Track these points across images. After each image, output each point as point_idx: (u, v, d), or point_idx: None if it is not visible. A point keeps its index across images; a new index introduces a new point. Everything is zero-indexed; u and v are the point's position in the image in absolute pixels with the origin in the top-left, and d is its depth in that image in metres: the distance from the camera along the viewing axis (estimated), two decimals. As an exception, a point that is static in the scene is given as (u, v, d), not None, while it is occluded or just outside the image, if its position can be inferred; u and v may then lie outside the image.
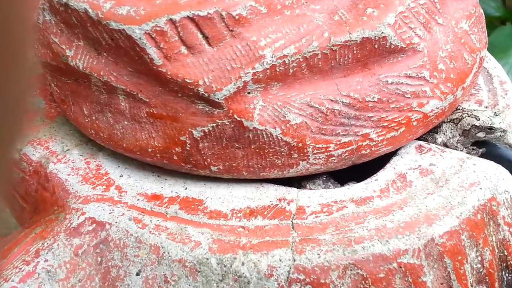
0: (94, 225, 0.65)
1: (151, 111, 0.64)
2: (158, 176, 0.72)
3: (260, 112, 0.62)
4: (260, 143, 0.63)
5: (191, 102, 0.62)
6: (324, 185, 0.71)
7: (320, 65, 0.62)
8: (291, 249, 0.60)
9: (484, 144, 0.74)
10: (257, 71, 0.59)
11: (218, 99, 0.60)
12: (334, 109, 0.64)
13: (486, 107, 0.79)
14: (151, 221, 0.64)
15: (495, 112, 0.72)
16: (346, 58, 0.63)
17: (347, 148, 0.66)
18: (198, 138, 0.63)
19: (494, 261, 0.64)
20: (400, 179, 0.68)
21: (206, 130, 0.63)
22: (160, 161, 0.67)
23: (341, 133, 0.65)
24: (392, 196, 0.66)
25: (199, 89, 0.60)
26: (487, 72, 0.87)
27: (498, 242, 0.65)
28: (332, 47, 0.61)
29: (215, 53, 0.60)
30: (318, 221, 0.63)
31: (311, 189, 0.70)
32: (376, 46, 0.64)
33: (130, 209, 0.66)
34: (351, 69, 0.64)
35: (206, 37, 0.59)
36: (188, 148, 0.64)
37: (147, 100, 0.64)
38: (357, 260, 0.59)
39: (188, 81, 0.59)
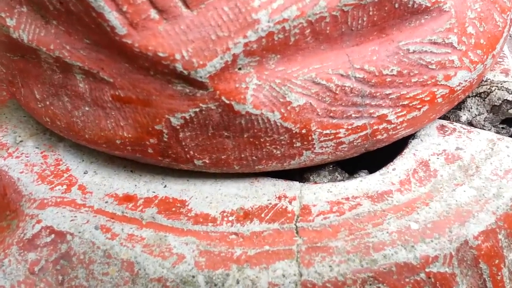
0: (53, 235, 0.53)
1: (116, 93, 0.51)
2: (131, 171, 0.59)
3: (254, 93, 0.49)
4: (255, 130, 0.51)
5: (166, 82, 0.49)
6: (331, 176, 0.60)
7: (328, 31, 0.49)
8: (297, 260, 0.49)
9: (515, 122, 0.63)
10: (249, 41, 0.46)
11: (201, 77, 0.47)
12: (345, 86, 0.51)
13: (515, 77, 0.68)
14: (122, 229, 0.52)
15: (530, 84, 0.60)
16: (360, 22, 0.50)
17: (361, 133, 0.54)
18: (178, 127, 0.51)
19: (535, 262, 0.54)
20: (423, 168, 0.57)
21: (187, 117, 0.50)
22: (132, 154, 0.55)
23: (353, 115, 0.53)
24: (414, 189, 0.55)
25: (176, 65, 0.47)
26: (510, 36, 0.75)
27: (539, 240, 0.55)
28: (343, 8, 0.48)
29: (195, 18, 0.46)
30: (328, 223, 0.52)
31: (315, 182, 0.59)
32: (396, 6, 0.51)
33: (96, 215, 0.54)
34: (365, 36, 0.52)
35: (183, -2, 0.46)
36: (165, 139, 0.52)
37: (111, 80, 0.50)
38: (378, 271, 0.48)
39: (161, 55, 0.46)
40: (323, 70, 0.51)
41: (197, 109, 0.49)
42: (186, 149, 0.53)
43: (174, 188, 0.57)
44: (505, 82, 0.62)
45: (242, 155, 0.53)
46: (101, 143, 0.54)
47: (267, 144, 0.52)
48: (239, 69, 0.48)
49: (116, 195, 0.56)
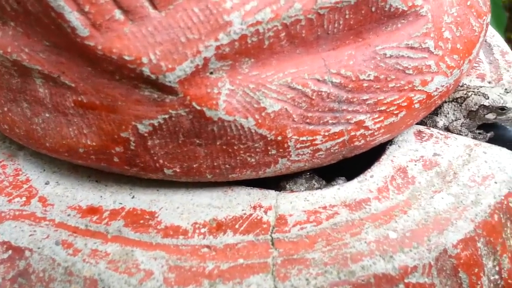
0: (10, 251, 0.49)
1: (79, 99, 0.48)
2: (97, 181, 0.56)
3: (227, 98, 0.47)
4: (228, 138, 0.49)
5: (133, 86, 0.46)
6: (308, 184, 0.58)
7: (303, 35, 0.48)
8: (272, 274, 0.46)
9: (491, 127, 0.62)
10: (221, 44, 0.44)
11: (170, 82, 0.44)
12: (322, 91, 0.50)
13: (489, 82, 0.67)
14: (86, 244, 0.49)
15: (505, 89, 0.60)
16: (336, 25, 0.49)
17: (338, 140, 0.52)
18: (146, 134, 0.48)
19: (513, 270, 0.53)
20: (400, 175, 0.56)
21: (156, 124, 0.47)
22: (96, 164, 0.51)
23: (330, 122, 0.51)
24: (392, 196, 0.53)
25: (143, 69, 0.44)
26: (485, 41, 0.75)
27: (516, 247, 0.54)
28: (319, 10, 0.47)
29: (163, 20, 0.44)
30: (305, 234, 0.50)
31: (292, 190, 0.57)
32: (373, 9, 0.49)
33: (58, 229, 0.50)
34: (341, 40, 0.50)
35: (150, -3, 0.43)
36: (132, 147, 0.49)
37: (73, 85, 0.47)
38: (356, 284, 0.46)
39: (127, 58, 0.43)
40: (298, 74, 0.49)
41: (166, 116, 0.47)
42: (155, 158, 0.50)
43: (142, 199, 0.54)
44: (481, 87, 0.61)
45: (215, 164, 0.51)
46: (62, 151, 0.51)
47: (241, 151, 0.50)
48: (211, 73, 0.46)
49: (80, 207, 0.52)
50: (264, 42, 0.46)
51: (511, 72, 0.69)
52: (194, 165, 0.50)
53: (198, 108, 0.46)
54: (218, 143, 0.49)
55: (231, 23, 0.44)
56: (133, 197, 0.54)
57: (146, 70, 0.44)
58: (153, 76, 0.44)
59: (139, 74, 0.44)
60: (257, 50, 0.46)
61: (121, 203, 0.53)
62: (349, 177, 0.57)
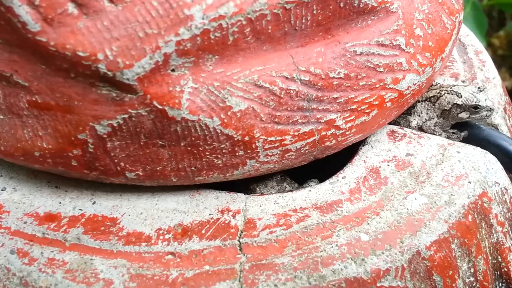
0: (-39, 263, 0.46)
1: (33, 99, 0.45)
2: (56, 187, 0.53)
3: (190, 97, 0.44)
4: (193, 138, 0.46)
5: (90, 85, 0.43)
6: (279, 187, 0.56)
7: (270, 31, 0.46)
8: (239, 281, 0.44)
9: (465, 126, 0.61)
10: (182, 39, 0.42)
11: (128, 79, 0.42)
12: (290, 89, 0.48)
13: (463, 81, 0.66)
14: (42, 253, 0.46)
15: (478, 88, 0.59)
16: (303, 21, 0.47)
17: (308, 140, 0.50)
18: (105, 136, 0.45)
19: (488, 271, 0.52)
20: (373, 175, 0.54)
21: (115, 124, 0.45)
22: (54, 168, 0.49)
23: (299, 121, 0.49)
24: (364, 198, 0.52)
25: (99, 65, 0.41)
26: (459, 40, 0.74)
27: (491, 247, 0.53)
28: (285, 5, 0.45)
29: (120, 13, 0.41)
30: (274, 238, 0.48)
31: (262, 193, 0.55)
32: (341, 5, 0.48)
33: (13, 237, 0.47)
34: (310, 36, 0.48)
35: (106, -10, 0.41)
36: (91, 150, 0.46)
37: (27, 84, 0.44)
38: (327, 289, 0.44)
39: (81, 54, 0.41)
40: (266, 72, 0.47)
41: (126, 116, 0.44)
42: (116, 161, 0.47)
43: (104, 205, 0.51)
44: (454, 86, 0.60)
45: (180, 166, 0.48)
46: (18, 155, 0.48)
47: (207, 153, 0.48)
48: (172, 70, 0.44)
49: (37, 214, 0.49)
50: (228, 38, 0.44)
51: (485, 71, 0.68)
52: (158, 168, 0.48)
53: (160, 107, 0.44)
54: (182, 144, 0.47)
55: (192, 17, 0.42)
56: (94, 202, 0.51)
57: (102, 67, 0.41)
58: (110, 73, 0.42)
59: (95, 71, 0.42)
60: (221, 46, 0.44)
61: (81, 210, 0.50)
62: (324, 179, 0.56)
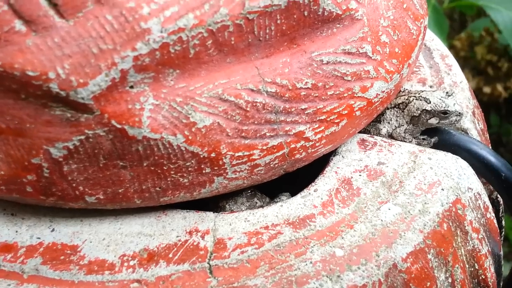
0: None
1: (-20, 123, 0.42)
2: (12, 214, 0.50)
3: (151, 114, 0.42)
4: (156, 157, 0.44)
5: (42, 106, 0.40)
6: (249, 203, 0.54)
7: (233, 42, 0.44)
8: (212, 306, 0.42)
9: (435, 132, 0.61)
10: (140, 54, 0.40)
11: (83, 98, 0.39)
12: (257, 101, 0.46)
13: (431, 87, 0.66)
14: (-4, 289, 0.42)
15: (447, 93, 0.58)
16: (267, 31, 0.45)
17: (277, 154, 0.48)
18: (60, 159, 0.42)
19: (466, 280, 0.51)
20: (345, 187, 0.53)
21: (71, 146, 0.42)
22: (8, 195, 0.45)
23: (267, 134, 0.47)
24: (337, 211, 0.50)
25: (51, 85, 0.39)
26: (425, 45, 0.74)
27: (467, 255, 0.52)
28: (247, 15, 0.43)
29: (71, 29, 0.39)
30: (246, 258, 0.46)
31: (232, 210, 0.53)
32: (305, 13, 0.47)
33: (-37, 273, 0.44)
34: (275, 46, 0.47)
35: (55, 5, 0.38)
36: (46, 174, 0.43)
37: (-28, 107, 0.41)
38: (304, 309, 0.42)
39: (30, 73, 0.38)
40: (230, 85, 0.45)
41: (83, 137, 0.42)
42: (74, 185, 0.44)
43: (64, 232, 0.48)
44: (422, 91, 0.60)
45: (143, 187, 0.46)
46: (-34, 183, 0.45)
47: (172, 172, 0.45)
48: (131, 87, 0.41)
49: (-9, 246, 0.46)
50: (189, 51, 0.42)
51: (452, 75, 0.68)
52: (120, 190, 0.45)
53: (119, 126, 0.41)
54: (145, 164, 0.44)
55: (150, 31, 0.39)
56: (53, 230, 0.48)
57: (55, 87, 0.39)
58: (63, 93, 0.39)
59: (46, 91, 0.39)
60: (182, 60, 0.42)
61: (39, 238, 0.47)
62: (295, 191, 0.54)
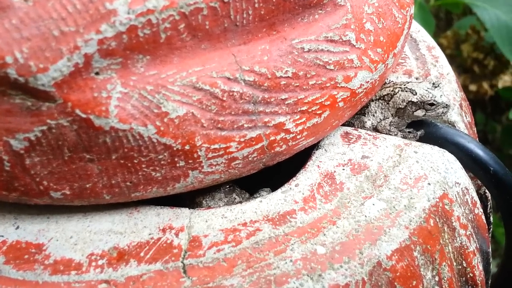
0: None
1: None
2: (-28, 211, 0.46)
3: (119, 103, 0.39)
4: (125, 150, 0.41)
5: (0, 94, 0.37)
6: (227, 199, 0.51)
7: (207, 27, 0.41)
8: (185, 308, 0.39)
9: (421, 125, 0.59)
10: (105, 37, 0.37)
11: (43, 85, 0.37)
12: (234, 91, 0.43)
13: (417, 78, 0.64)
14: (-48, 291, 0.39)
15: (433, 84, 0.56)
16: (245, 16, 0.43)
17: (256, 146, 0.46)
18: (22, 151, 0.39)
19: (453, 278, 0.49)
20: (328, 181, 0.50)
21: (33, 138, 0.39)
22: (-35, 190, 0.42)
23: (245, 126, 0.45)
24: (320, 206, 0.48)
25: (8, 70, 0.36)
26: (411, 36, 0.72)
27: (455, 252, 0.50)
28: (222, -2, 0.40)
29: (31, 10, 0.36)
30: (222, 256, 0.43)
31: (209, 206, 0.50)
32: (285, -3, 0.44)
33: None
34: (253, 33, 0.44)
35: (12, -17, 0.35)
36: (7, 168, 0.40)
37: None
38: (283, 310, 0.40)
39: (-16, 58, 0.35)
40: (205, 73, 0.42)
41: (45, 127, 0.39)
42: (38, 179, 0.41)
43: (29, 229, 0.45)
44: (408, 82, 0.58)
45: (113, 182, 0.43)
46: None
47: (143, 165, 0.43)
48: (97, 73, 0.38)
49: None
50: (160, 35, 0.39)
51: (438, 67, 0.66)
52: (88, 185, 0.43)
53: (84, 116, 0.38)
54: (113, 157, 0.41)
55: (116, 12, 0.37)
56: (17, 227, 0.45)
57: (12, 72, 0.36)
58: (21, 79, 0.36)
59: (4, 77, 0.36)
60: (152, 45, 0.40)
61: (2, 236, 0.44)
62: (277, 187, 0.52)
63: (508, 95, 1.61)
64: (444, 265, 0.48)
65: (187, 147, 0.43)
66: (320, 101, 0.48)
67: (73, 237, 0.44)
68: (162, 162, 0.43)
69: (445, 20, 2.06)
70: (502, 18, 1.30)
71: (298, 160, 0.54)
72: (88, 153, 0.41)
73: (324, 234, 0.45)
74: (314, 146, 0.55)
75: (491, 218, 0.65)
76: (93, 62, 0.37)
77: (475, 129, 0.67)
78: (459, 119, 0.61)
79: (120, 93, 0.39)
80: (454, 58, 1.81)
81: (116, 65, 0.39)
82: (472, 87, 1.77)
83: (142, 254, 0.43)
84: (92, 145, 0.40)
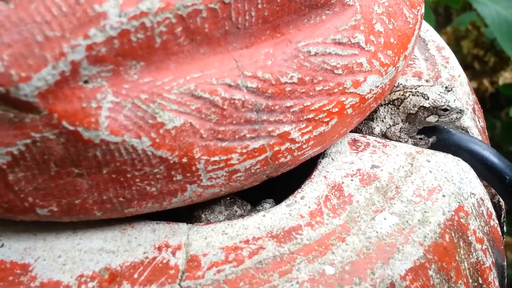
0: None
1: None
2: (-46, 228, 0.43)
3: (110, 114, 0.36)
4: (118, 164, 0.38)
5: (-21, 104, 0.34)
6: (228, 212, 0.48)
7: (207, 30, 0.38)
8: (182, 336, 0.36)
9: (432, 131, 0.55)
10: (94, 42, 0.33)
11: (26, 96, 0.33)
12: (235, 98, 0.40)
13: (427, 81, 0.61)
14: None
15: (446, 87, 0.53)
16: (247, 18, 0.39)
17: (259, 157, 0.43)
18: (4, 166, 0.36)
19: (469, 296, 0.46)
20: (336, 193, 0.47)
21: (16, 152, 0.36)
22: None
23: (248, 136, 0.41)
24: (327, 221, 0.45)
25: (-14, 80, 0.32)
26: (419, 36, 0.69)
27: (471, 268, 0.47)
28: (223, -2, 0.37)
29: (12, 13, 0.32)
30: (222, 278, 0.40)
31: (208, 221, 0.47)
32: (290, -3, 0.41)
33: None
34: (256, 36, 0.41)
35: (-10, -17, 0.32)
36: (-12, 184, 0.37)
37: None
38: (289, 338, 0.37)
39: (-41, 66, 0.32)
40: (204, 80, 0.39)
41: (29, 141, 0.35)
42: (22, 196, 0.38)
43: (14, 248, 0.42)
44: (419, 86, 0.54)
45: (104, 197, 0.40)
46: None
47: (137, 180, 0.39)
48: (85, 82, 0.35)
49: None
50: (155, 40, 0.36)
51: (449, 68, 0.63)
52: (77, 201, 0.39)
53: (71, 128, 0.35)
54: (105, 172, 0.38)
55: (106, 15, 0.33)
56: (2, 245, 0.42)
57: (-9, 82, 0.32)
58: (2, 89, 0.33)
59: (-18, 87, 0.33)
60: (146, 50, 0.36)
61: (-15, 255, 0.41)
62: (280, 197, 0.48)
63: (509, 92, 1.58)
64: (460, 284, 0.45)
65: (184, 160, 0.40)
66: (327, 108, 0.45)
67: (61, 257, 0.41)
68: (158, 176, 0.40)
69: (444, 15, 2.02)
70: (502, 13, 1.26)
71: (301, 166, 0.50)
72: (76, 167, 0.37)
73: (333, 252, 0.42)
74: (320, 155, 0.51)
75: (505, 228, 0.62)
76: (81, 70, 0.34)
77: (487, 134, 0.64)
78: (473, 124, 0.58)
79: (111, 102, 0.36)
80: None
81: (106, 72, 0.35)
82: (473, 84, 1.74)
83: (136, 275, 0.40)
84: (81, 159, 0.37)
